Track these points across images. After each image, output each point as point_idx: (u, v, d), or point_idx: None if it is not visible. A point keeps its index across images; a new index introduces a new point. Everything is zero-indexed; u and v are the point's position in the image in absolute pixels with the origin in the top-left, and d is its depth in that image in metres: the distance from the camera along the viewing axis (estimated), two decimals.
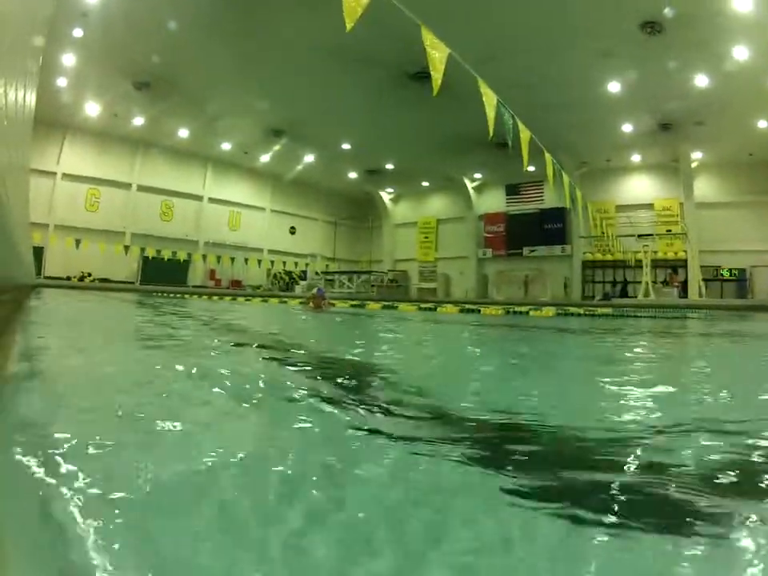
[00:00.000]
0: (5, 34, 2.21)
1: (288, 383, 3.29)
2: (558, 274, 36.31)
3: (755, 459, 1.89)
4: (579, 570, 1.15)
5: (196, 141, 35.61)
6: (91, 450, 1.78)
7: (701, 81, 22.07)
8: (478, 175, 40.54)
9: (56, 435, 1.92)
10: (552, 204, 36.28)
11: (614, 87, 23.54)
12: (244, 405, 2.70)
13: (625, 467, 1.77)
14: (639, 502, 1.49)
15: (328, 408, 2.57)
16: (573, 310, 18.50)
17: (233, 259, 39.46)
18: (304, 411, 2.53)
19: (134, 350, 5.20)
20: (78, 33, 21.24)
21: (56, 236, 32.55)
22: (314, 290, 16.80)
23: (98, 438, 1.89)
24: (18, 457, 1.68)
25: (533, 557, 1.20)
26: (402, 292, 42.39)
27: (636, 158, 33.05)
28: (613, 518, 1.34)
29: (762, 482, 1.65)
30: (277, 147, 35.96)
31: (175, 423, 2.11)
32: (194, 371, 3.45)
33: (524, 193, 39.21)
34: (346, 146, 35.31)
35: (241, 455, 1.84)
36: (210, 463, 1.70)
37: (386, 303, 21.46)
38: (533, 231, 38.18)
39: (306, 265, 44.92)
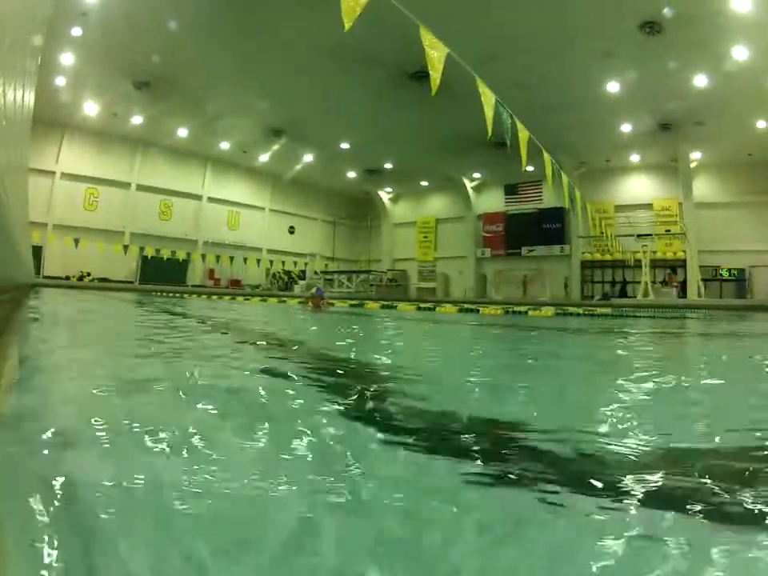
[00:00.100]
0: (3, 34, 2.21)
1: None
2: (557, 274, 36.32)
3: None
4: None
5: (195, 140, 35.60)
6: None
7: (700, 81, 22.08)
8: (476, 175, 40.57)
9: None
10: (551, 204, 36.32)
11: (613, 87, 23.54)
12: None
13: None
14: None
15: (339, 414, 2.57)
16: (572, 310, 18.50)
17: (232, 259, 39.50)
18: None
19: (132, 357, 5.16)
20: (77, 32, 21.21)
21: (55, 235, 32.53)
22: (313, 290, 16.82)
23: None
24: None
25: None
26: (401, 292, 42.41)
27: (635, 157, 33.07)
28: None
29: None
30: (276, 147, 35.94)
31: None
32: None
33: (523, 193, 39.24)
34: (345, 146, 35.30)
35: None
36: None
37: (385, 303, 21.48)
38: (531, 231, 38.20)
39: (305, 264, 44.91)
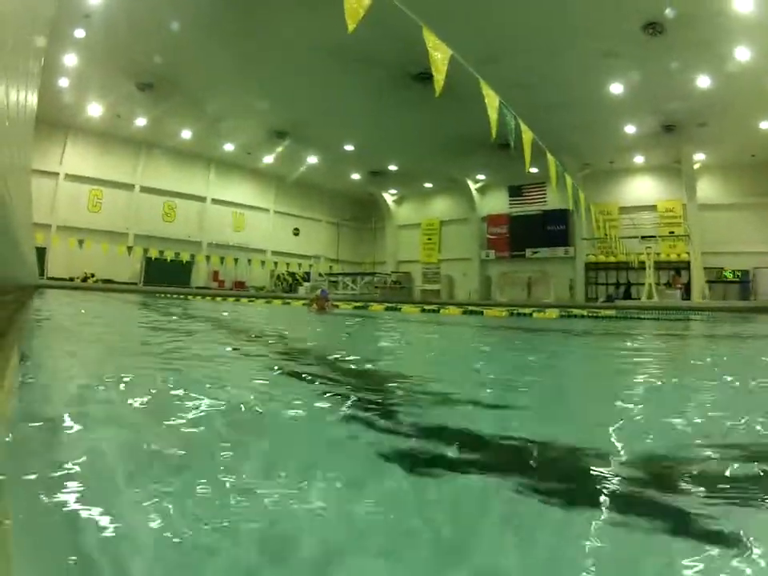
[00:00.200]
0: (6, 35, 2.22)
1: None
2: (562, 276, 36.29)
3: None
4: None
5: (199, 142, 35.63)
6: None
7: (703, 82, 22.05)
8: (480, 176, 40.53)
9: None
10: (555, 206, 36.30)
11: (616, 88, 23.51)
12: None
13: None
14: None
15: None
16: (576, 312, 18.49)
17: (236, 260, 39.53)
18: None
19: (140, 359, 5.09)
20: (80, 34, 21.26)
21: (59, 236, 32.65)
22: (318, 292, 16.82)
23: None
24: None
25: None
26: (405, 293, 42.32)
27: (639, 159, 33.01)
28: None
29: None
30: (280, 148, 35.92)
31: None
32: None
33: (527, 194, 39.22)
34: (349, 148, 35.30)
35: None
36: None
37: (389, 305, 21.45)
38: (536, 233, 38.23)
39: (310, 266, 45.00)
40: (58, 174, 33.37)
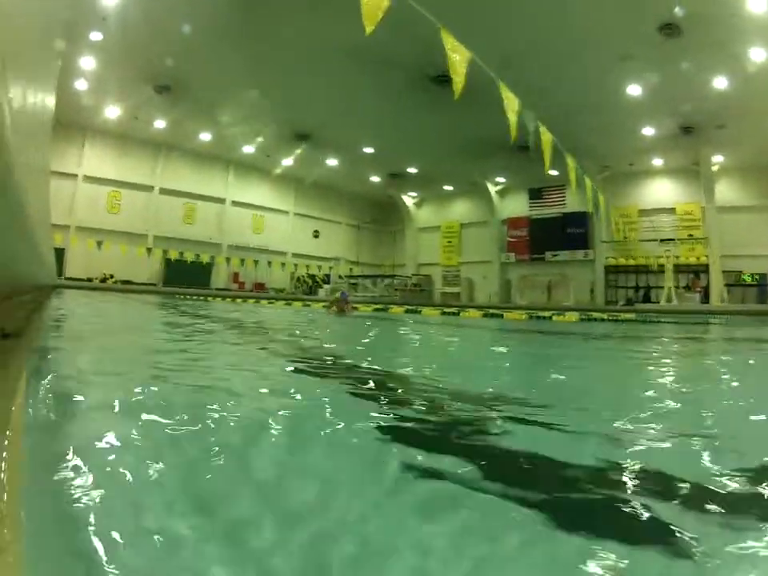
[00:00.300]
0: (23, 37, 2.27)
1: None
2: (581, 279, 36.12)
3: None
4: None
5: (218, 144, 35.85)
6: None
7: (720, 83, 21.89)
8: (500, 179, 40.47)
9: None
10: (574, 208, 36.15)
11: (634, 90, 23.41)
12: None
13: None
14: None
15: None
16: (596, 316, 18.47)
17: (256, 262, 39.66)
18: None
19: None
20: (97, 36, 21.43)
21: (77, 237, 32.97)
22: (338, 294, 16.93)
23: None
24: None
25: None
26: (425, 296, 42.28)
27: (658, 161, 32.78)
28: None
29: None
30: (299, 151, 36.01)
31: None
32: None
33: (546, 197, 39.08)
34: (368, 150, 35.34)
35: None
36: None
37: (410, 307, 21.49)
38: (555, 236, 38.08)
39: (330, 268, 45.11)
40: (76, 175, 33.77)
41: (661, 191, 34.26)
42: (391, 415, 2.81)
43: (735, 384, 4.46)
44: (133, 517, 1.46)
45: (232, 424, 2.54)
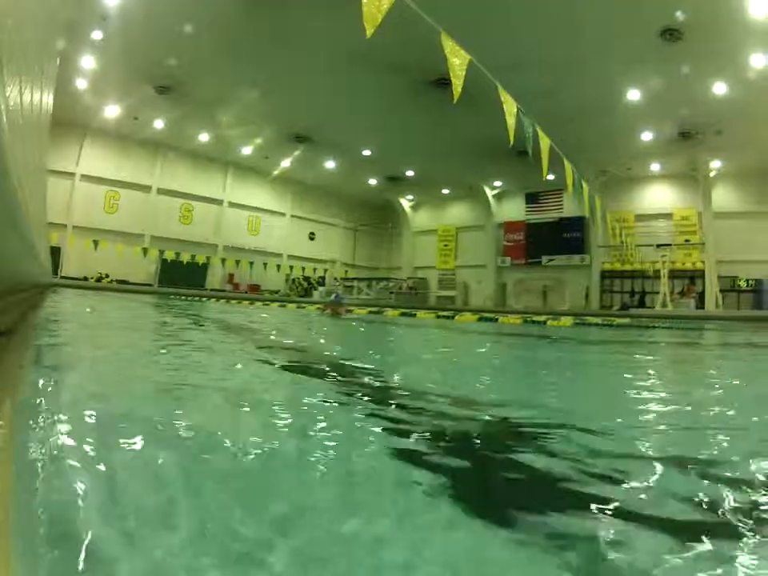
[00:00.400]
0: (21, 35, 2.26)
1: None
2: (577, 284, 36.14)
3: None
4: None
5: (216, 145, 35.84)
6: None
7: (719, 89, 21.92)
8: (497, 183, 40.49)
9: None
10: (571, 213, 36.28)
11: (633, 95, 23.43)
12: None
13: None
14: None
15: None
16: (591, 320, 18.49)
17: (251, 264, 39.50)
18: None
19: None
20: (97, 36, 21.33)
21: (74, 236, 32.91)
22: (332, 296, 16.92)
23: None
24: None
25: None
26: (420, 299, 42.19)
27: (656, 166, 32.83)
28: None
29: None
30: (297, 153, 36.04)
31: None
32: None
33: (543, 201, 39.16)
34: (366, 153, 35.32)
35: None
36: None
37: (404, 311, 21.45)
38: (552, 240, 38.15)
39: (325, 271, 45.06)
40: (74, 174, 33.69)
41: (658, 196, 34.32)
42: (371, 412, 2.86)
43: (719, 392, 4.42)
44: (124, 517, 1.43)
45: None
